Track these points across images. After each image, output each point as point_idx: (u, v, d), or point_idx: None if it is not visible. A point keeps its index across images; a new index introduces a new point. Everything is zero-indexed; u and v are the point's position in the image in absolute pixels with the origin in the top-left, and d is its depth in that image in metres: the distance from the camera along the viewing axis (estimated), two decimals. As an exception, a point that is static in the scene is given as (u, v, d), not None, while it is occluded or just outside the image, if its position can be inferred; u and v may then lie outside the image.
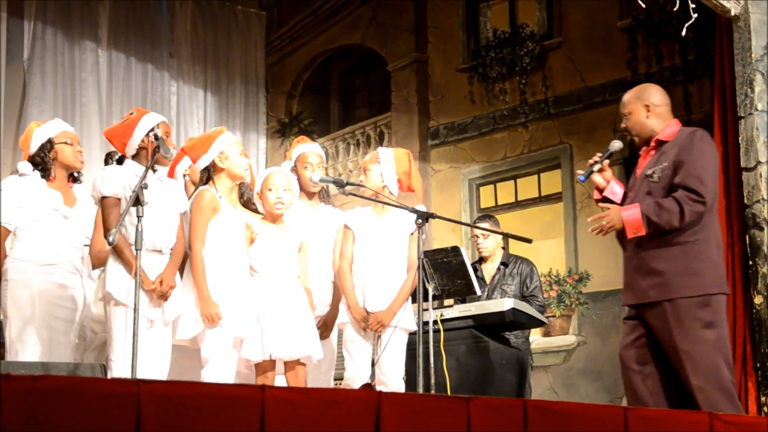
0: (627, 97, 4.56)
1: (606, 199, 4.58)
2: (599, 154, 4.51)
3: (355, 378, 4.71)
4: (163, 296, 4.35)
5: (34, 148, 4.86)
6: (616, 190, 4.56)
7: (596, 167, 4.49)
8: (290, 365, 4.49)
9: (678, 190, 4.29)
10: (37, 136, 4.87)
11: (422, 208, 4.60)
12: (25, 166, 4.84)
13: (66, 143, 4.89)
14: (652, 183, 4.37)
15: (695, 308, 4.25)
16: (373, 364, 4.75)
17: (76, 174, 5.03)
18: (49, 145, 4.86)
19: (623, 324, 4.59)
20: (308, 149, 5.21)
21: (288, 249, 4.62)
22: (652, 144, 4.47)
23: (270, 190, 4.62)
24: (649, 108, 4.47)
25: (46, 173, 4.84)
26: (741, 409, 4.25)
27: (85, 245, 5.25)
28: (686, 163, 4.31)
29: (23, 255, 4.72)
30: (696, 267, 4.32)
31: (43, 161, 4.84)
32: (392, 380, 4.70)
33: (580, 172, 4.53)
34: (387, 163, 4.93)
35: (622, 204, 4.50)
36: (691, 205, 4.26)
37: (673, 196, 4.29)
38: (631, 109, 4.49)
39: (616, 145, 4.55)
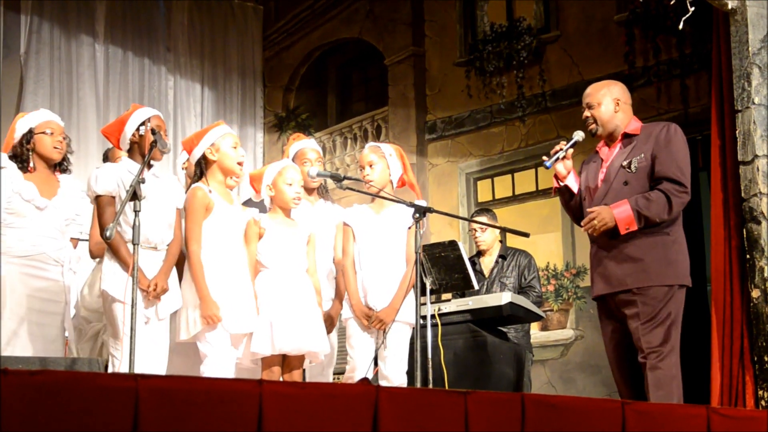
0: (596, 88, 4.67)
1: (563, 189, 4.72)
2: (563, 143, 4.63)
3: (358, 372, 4.71)
4: (156, 297, 4.35)
5: (16, 139, 4.81)
6: (573, 181, 4.71)
7: (561, 155, 4.62)
8: (288, 366, 4.50)
9: (660, 181, 4.45)
10: (19, 127, 4.82)
11: (422, 203, 4.60)
12: (3, 159, 4.77)
13: (45, 133, 4.81)
14: (630, 173, 4.50)
15: (663, 299, 4.42)
16: (376, 359, 4.76)
17: (65, 165, 4.96)
18: (28, 136, 4.79)
19: (600, 320, 4.73)
20: (306, 146, 5.20)
21: (297, 243, 4.62)
22: (619, 137, 4.61)
23: (290, 185, 4.62)
24: (619, 103, 4.61)
25: (24, 164, 4.78)
26: (681, 391, 4.45)
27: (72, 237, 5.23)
28: (666, 154, 4.47)
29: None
30: (673, 257, 4.50)
31: (21, 152, 4.78)
32: (395, 375, 4.69)
33: (545, 158, 4.62)
34: (392, 157, 4.89)
35: (576, 195, 4.70)
36: (678, 196, 4.42)
37: (658, 189, 4.44)
38: (601, 101, 4.61)
39: (581, 134, 4.66)
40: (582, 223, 4.56)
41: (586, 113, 4.64)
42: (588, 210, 4.55)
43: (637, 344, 4.43)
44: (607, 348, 4.69)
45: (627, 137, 4.60)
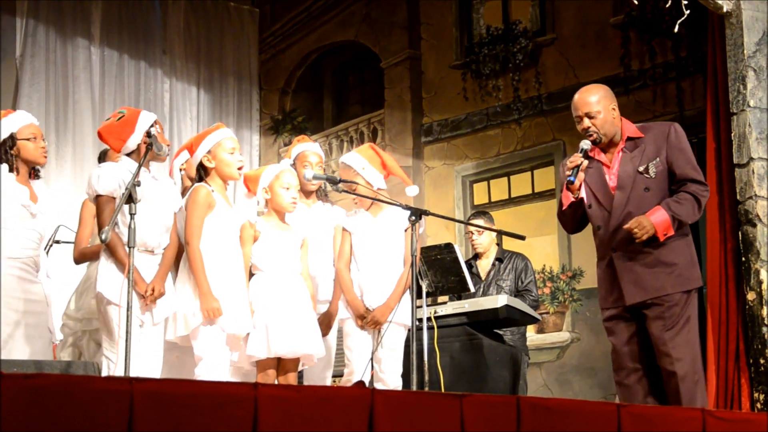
0: (589, 96, 4.55)
1: (578, 202, 4.59)
2: (577, 155, 4.49)
3: (357, 373, 4.72)
4: (153, 301, 4.33)
5: None
6: (584, 192, 4.60)
7: (581, 166, 4.47)
8: (283, 369, 4.50)
9: (684, 183, 4.46)
10: None
11: (414, 188, 4.59)
12: (3, 169, 4.67)
13: (28, 140, 4.70)
14: (649, 179, 4.46)
15: (685, 302, 4.40)
16: (372, 360, 4.76)
17: (37, 169, 4.84)
18: (10, 141, 4.67)
19: (608, 324, 4.58)
20: (308, 148, 5.21)
21: (291, 246, 4.63)
22: (620, 141, 4.54)
23: (287, 189, 4.63)
24: (615, 108, 4.55)
25: (10, 169, 4.68)
26: (707, 399, 4.47)
27: (60, 242, 5.21)
28: (681, 156, 4.48)
29: None
30: (695, 258, 4.53)
31: (5, 157, 4.67)
32: (390, 377, 4.70)
33: (568, 172, 4.48)
34: (365, 170, 4.88)
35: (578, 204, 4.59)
36: (704, 195, 4.47)
37: (684, 190, 4.45)
38: (601, 109, 4.50)
39: (588, 143, 4.54)
40: (626, 228, 4.41)
41: (587, 123, 4.51)
42: (625, 227, 4.40)
43: (663, 349, 4.35)
44: (621, 353, 4.53)
45: (630, 140, 4.54)
